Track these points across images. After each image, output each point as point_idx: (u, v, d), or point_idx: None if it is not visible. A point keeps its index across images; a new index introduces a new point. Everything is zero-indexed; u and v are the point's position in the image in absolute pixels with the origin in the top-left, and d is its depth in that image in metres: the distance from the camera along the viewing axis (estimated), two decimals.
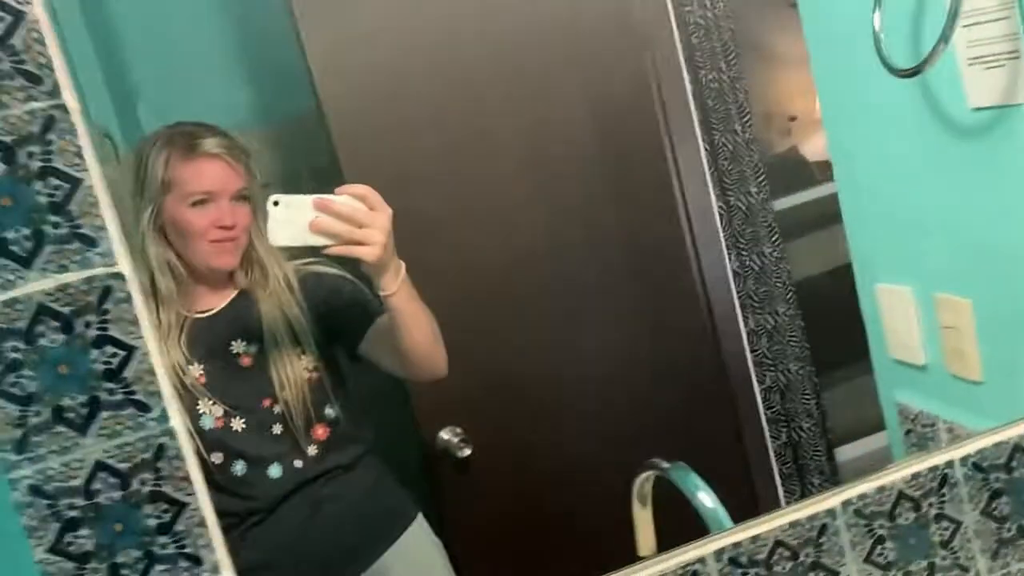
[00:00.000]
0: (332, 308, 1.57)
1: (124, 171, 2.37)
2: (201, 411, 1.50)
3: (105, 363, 1.03)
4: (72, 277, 1.03)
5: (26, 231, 1.01)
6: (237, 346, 1.54)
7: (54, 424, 1.03)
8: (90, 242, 1.02)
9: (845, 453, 1.95)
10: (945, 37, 1.27)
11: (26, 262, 1.00)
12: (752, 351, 2.00)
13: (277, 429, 1.54)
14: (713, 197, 1.94)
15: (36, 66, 1.00)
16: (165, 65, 2.25)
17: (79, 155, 1.02)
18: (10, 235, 1.00)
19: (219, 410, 1.50)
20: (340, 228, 1.27)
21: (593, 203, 1.90)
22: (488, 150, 1.80)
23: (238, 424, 1.52)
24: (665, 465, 0.98)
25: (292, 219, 1.22)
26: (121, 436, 1.05)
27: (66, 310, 1.01)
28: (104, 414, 1.04)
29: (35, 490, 1.03)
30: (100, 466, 1.05)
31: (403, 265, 1.39)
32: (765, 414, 2.02)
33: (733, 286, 1.98)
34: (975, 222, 1.49)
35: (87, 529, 1.05)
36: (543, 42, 1.83)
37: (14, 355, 1.01)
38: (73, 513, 1.04)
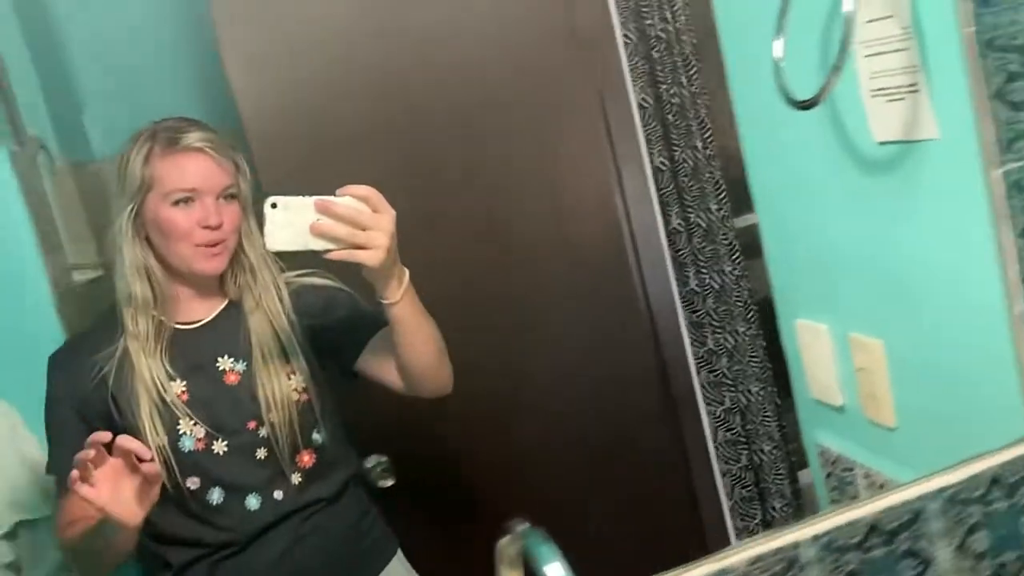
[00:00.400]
0: (328, 322, 1.47)
1: (107, 174, 2.42)
2: (182, 431, 1.39)
3: None
4: None
5: None
6: (224, 362, 1.43)
7: None
8: None
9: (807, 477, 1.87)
10: (837, 67, 1.23)
11: None
12: (711, 371, 1.95)
13: (261, 454, 1.43)
14: (659, 216, 1.89)
15: None
16: (105, 78, 2.30)
17: None
18: None
19: (201, 431, 1.40)
20: (342, 231, 1.18)
21: (535, 220, 1.87)
22: (426, 167, 1.78)
23: (220, 447, 1.41)
24: (520, 529, 0.92)
25: (291, 222, 1.16)
26: None
27: None
28: None
29: None
30: None
31: (407, 272, 1.30)
32: (725, 435, 1.97)
33: (679, 306, 1.93)
34: (886, 260, 1.43)
35: None
36: (483, 53, 1.80)
37: None
38: None
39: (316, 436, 1.46)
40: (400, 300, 1.29)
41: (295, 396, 1.43)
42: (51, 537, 1.64)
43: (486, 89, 1.76)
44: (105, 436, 1.18)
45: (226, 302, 1.46)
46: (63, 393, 1.41)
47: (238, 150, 1.42)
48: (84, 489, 1.17)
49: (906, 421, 1.47)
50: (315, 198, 1.16)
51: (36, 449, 1.65)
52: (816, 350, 1.55)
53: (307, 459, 1.46)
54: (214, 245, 1.39)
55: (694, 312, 1.95)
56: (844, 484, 1.60)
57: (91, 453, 1.17)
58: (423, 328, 1.36)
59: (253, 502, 1.44)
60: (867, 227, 1.43)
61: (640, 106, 1.88)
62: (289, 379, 1.43)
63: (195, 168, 1.38)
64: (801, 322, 1.61)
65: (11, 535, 1.59)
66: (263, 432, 1.42)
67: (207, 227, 1.37)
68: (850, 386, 1.53)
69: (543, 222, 1.87)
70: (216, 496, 1.42)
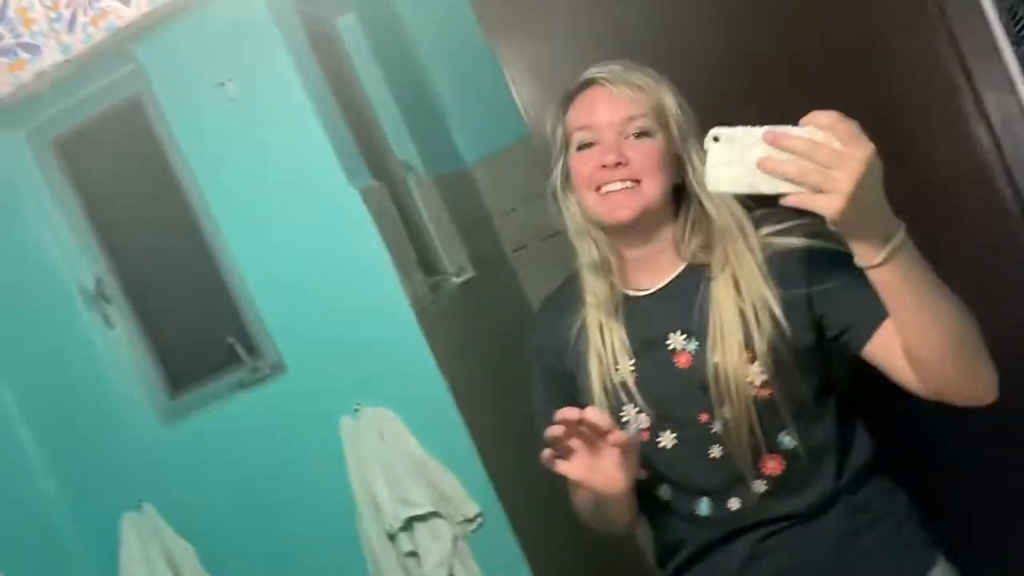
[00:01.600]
0: (820, 294, 1.12)
1: (473, 179, 2.63)
2: (624, 418, 1.19)
3: None
4: None
5: None
6: (675, 340, 1.18)
7: None
8: None
9: None
10: None
11: None
12: None
13: (715, 452, 1.17)
14: None
15: None
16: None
17: None
18: None
19: (646, 420, 1.18)
20: (792, 169, 0.90)
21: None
22: None
23: (667, 439, 1.19)
24: None
25: (736, 158, 0.94)
26: None
27: None
28: None
29: None
30: None
31: (901, 229, 0.95)
32: None
33: None
34: None
35: None
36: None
37: None
38: None
39: (785, 439, 1.16)
40: (881, 264, 0.95)
41: (752, 391, 1.13)
42: (440, 528, 1.83)
43: None
44: (572, 413, 1.07)
45: (683, 266, 1.20)
46: (536, 357, 1.30)
47: (663, 81, 1.18)
48: (561, 465, 1.10)
49: None
50: (766, 128, 0.92)
51: (418, 449, 1.85)
52: None
53: (772, 465, 1.17)
54: (618, 188, 1.15)
55: None
56: None
57: (560, 430, 1.07)
58: (925, 304, 0.99)
59: (703, 507, 1.20)
60: None
61: None
62: (748, 368, 1.13)
63: (591, 103, 1.18)
64: None
65: (406, 527, 1.80)
66: (716, 427, 1.16)
67: (604, 166, 1.14)
68: None
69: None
70: (664, 492, 1.23)
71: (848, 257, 1.04)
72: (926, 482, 1.26)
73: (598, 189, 1.15)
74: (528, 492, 1.86)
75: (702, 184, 1.12)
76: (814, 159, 0.89)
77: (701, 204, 1.16)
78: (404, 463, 1.83)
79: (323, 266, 1.83)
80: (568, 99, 1.20)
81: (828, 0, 1.42)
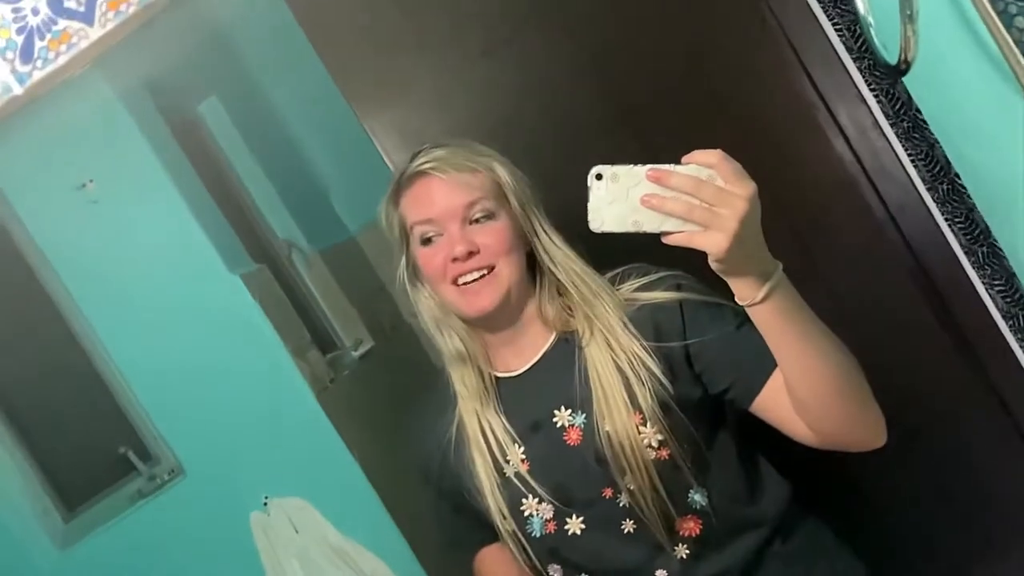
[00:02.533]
0: (704, 348, 1.08)
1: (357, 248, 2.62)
2: (527, 512, 1.13)
3: None
4: None
5: None
6: (561, 416, 1.11)
7: None
8: None
9: None
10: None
11: None
12: None
13: (628, 527, 1.11)
14: None
15: None
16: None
17: None
18: None
19: (548, 510, 1.12)
20: (677, 206, 0.87)
21: None
22: None
23: (575, 525, 1.12)
24: None
25: (619, 196, 0.90)
26: None
27: None
28: None
29: None
30: None
31: (778, 267, 0.93)
32: None
33: None
34: None
35: None
36: None
37: None
38: None
39: (696, 497, 1.11)
40: (762, 301, 0.93)
41: (651, 453, 1.08)
42: None
43: None
44: None
45: (553, 336, 1.15)
46: (423, 475, 1.24)
47: (492, 154, 1.13)
48: None
49: None
50: (649, 167, 0.89)
51: (336, 535, 1.79)
52: None
53: (690, 527, 1.11)
54: (476, 279, 1.10)
55: None
56: None
57: None
58: (808, 341, 0.96)
59: None
60: None
61: None
62: (641, 431, 1.08)
63: (425, 195, 1.11)
64: None
65: None
66: (623, 500, 1.10)
67: (455, 259, 1.10)
68: None
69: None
70: None
71: (723, 309, 1.06)
72: (846, 511, 1.27)
73: (454, 282, 1.12)
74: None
75: (548, 250, 1.12)
76: (699, 196, 0.88)
77: (548, 268, 1.14)
78: (323, 551, 1.76)
79: (213, 360, 1.76)
80: (398, 191, 1.15)
81: (700, 54, 1.44)
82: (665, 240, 0.90)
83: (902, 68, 0.82)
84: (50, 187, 1.75)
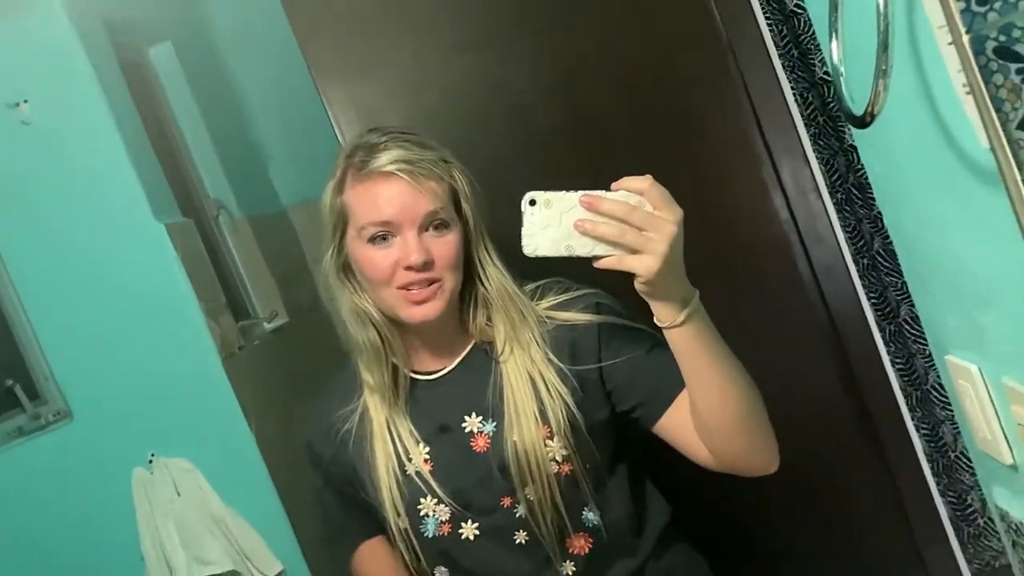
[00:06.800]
0: (612, 370, 1.11)
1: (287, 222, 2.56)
2: (423, 512, 1.14)
3: None
4: None
5: None
6: (471, 422, 1.13)
7: None
8: None
9: None
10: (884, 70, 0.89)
11: None
12: None
13: (520, 538, 1.13)
14: None
15: None
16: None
17: None
18: None
19: (445, 512, 1.13)
20: (609, 231, 0.91)
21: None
22: None
23: (469, 530, 1.13)
24: None
25: (553, 222, 0.93)
26: None
27: None
28: None
29: None
30: None
31: (696, 293, 0.97)
32: None
33: None
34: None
35: None
36: None
37: None
38: None
39: (589, 515, 1.13)
40: (681, 325, 0.96)
41: (555, 467, 1.10)
42: None
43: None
44: None
45: (471, 344, 1.17)
46: (311, 460, 1.24)
47: (453, 163, 1.12)
48: None
49: None
50: (582, 193, 0.92)
51: (219, 503, 1.74)
52: (969, 394, 1.15)
53: (580, 544, 1.14)
54: (422, 287, 1.09)
55: None
56: None
57: None
58: (719, 368, 1.00)
59: None
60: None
61: None
62: (547, 445, 1.10)
63: (388, 196, 1.08)
64: (951, 359, 1.19)
65: None
66: (520, 511, 1.12)
67: (409, 268, 1.08)
68: (1016, 439, 1.14)
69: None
70: None
71: (638, 332, 1.09)
72: (719, 540, 1.31)
73: (401, 287, 1.09)
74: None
75: (485, 267, 1.13)
76: (630, 221, 0.91)
77: (480, 280, 1.14)
78: (202, 518, 1.71)
79: (123, 306, 1.71)
80: (349, 179, 1.11)
81: (663, 79, 1.47)
82: (597, 264, 0.94)
83: (867, 120, 0.85)
84: None
